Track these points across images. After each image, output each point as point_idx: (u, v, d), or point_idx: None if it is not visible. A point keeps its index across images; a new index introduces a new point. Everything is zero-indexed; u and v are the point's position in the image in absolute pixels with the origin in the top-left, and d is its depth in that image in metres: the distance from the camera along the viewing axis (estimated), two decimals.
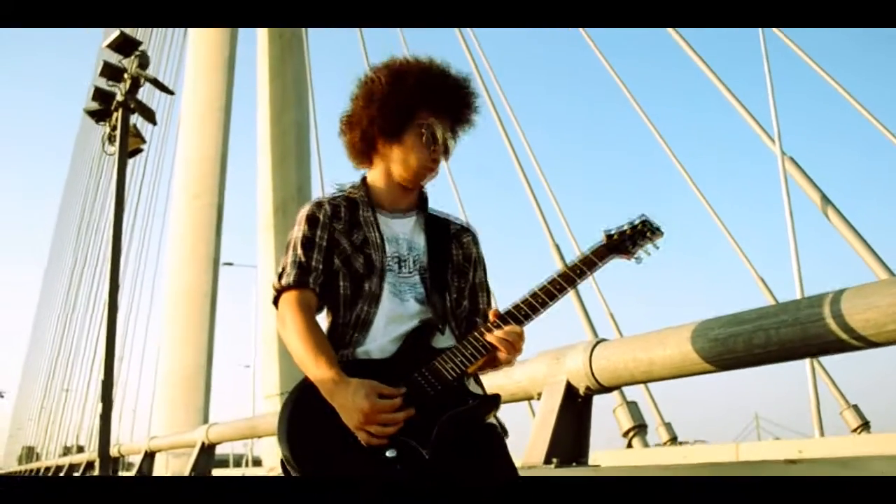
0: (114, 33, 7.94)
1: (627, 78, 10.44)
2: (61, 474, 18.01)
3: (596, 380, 2.65)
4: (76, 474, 13.51)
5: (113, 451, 11.12)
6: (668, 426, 10.24)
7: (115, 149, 10.01)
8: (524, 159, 10.63)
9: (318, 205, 1.84)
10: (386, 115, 1.79)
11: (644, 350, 2.47)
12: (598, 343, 2.73)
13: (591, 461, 2.79)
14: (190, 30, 17.13)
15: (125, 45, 8.84)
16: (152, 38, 21.49)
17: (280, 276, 1.78)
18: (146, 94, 11.65)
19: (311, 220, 1.81)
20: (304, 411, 1.64)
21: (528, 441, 2.77)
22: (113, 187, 10.69)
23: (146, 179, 22.28)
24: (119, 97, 9.76)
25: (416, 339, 1.71)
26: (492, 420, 1.74)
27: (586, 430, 2.78)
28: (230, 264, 28.86)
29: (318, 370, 1.62)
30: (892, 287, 1.90)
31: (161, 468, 11.74)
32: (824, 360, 8.90)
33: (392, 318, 1.74)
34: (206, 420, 14.11)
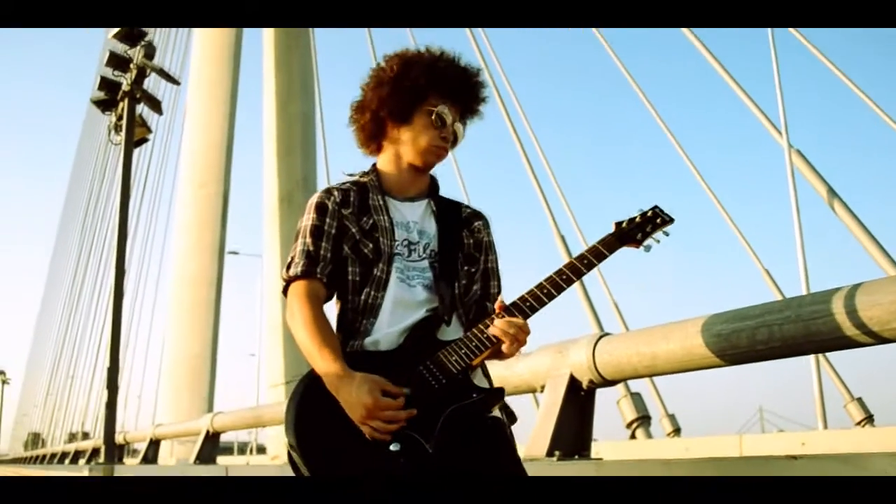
0: None
1: (634, 70, 10.39)
2: (66, 462, 18.12)
3: (599, 373, 2.66)
4: (74, 474, 13.61)
5: (118, 439, 11.19)
6: (672, 418, 10.26)
7: (120, 138, 10.05)
8: (530, 149, 10.61)
9: (328, 192, 1.84)
10: (396, 97, 1.81)
11: (647, 344, 2.48)
12: (601, 337, 2.73)
13: (593, 453, 2.80)
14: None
15: (131, 35, 8.84)
16: (158, 28, 21.49)
17: (289, 266, 1.79)
18: (152, 83, 11.66)
19: (321, 207, 1.81)
20: (311, 402, 1.64)
21: (530, 433, 2.78)
22: (119, 175, 10.72)
23: (152, 168, 22.32)
24: (125, 87, 9.78)
25: (422, 331, 1.72)
26: (496, 413, 1.74)
27: (589, 423, 2.79)
28: (235, 253, 28.99)
29: (324, 363, 1.63)
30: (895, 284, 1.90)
31: (166, 455, 11.81)
32: (829, 353, 8.90)
33: (399, 304, 1.74)
34: (210, 408, 14.19)
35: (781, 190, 8.66)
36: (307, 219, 1.81)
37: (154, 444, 9.59)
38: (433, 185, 1.91)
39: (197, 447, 7.07)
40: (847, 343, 1.98)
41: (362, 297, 1.75)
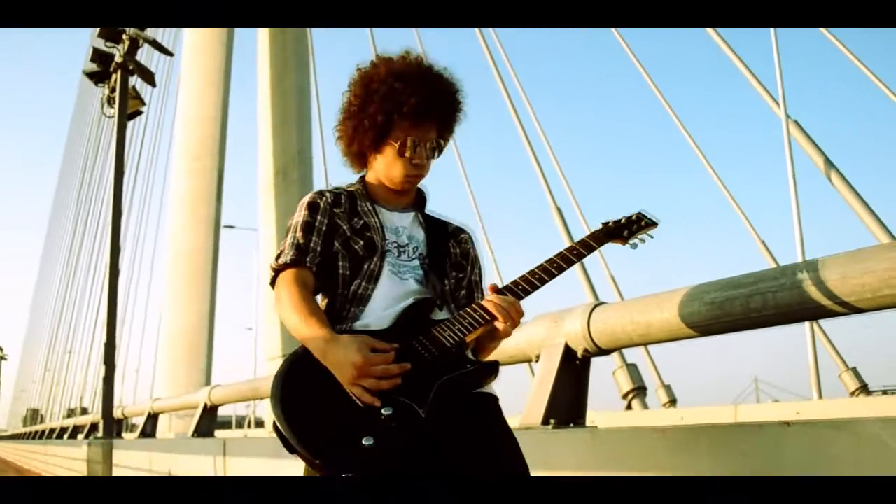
0: None
1: (632, 43, 10.33)
2: (65, 437, 18.22)
3: (594, 342, 2.67)
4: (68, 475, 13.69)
5: (116, 413, 11.24)
6: (668, 388, 10.36)
7: (114, 111, 9.98)
8: (527, 124, 10.56)
9: (320, 193, 1.87)
10: (362, 131, 1.82)
11: (642, 313, 2.48)
12: (596, 306, 2.74)
13: (588, 423, 2.81)
14: None
15: None
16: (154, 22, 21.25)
17: (278, 257, 1.79)
18: (145, 55, 11.56)
19: (312, 206, 1.83)
20: (298, 374, 1.63)
21: (525, 402, 2.80)
22: (113, 150, 10.67)
23: (146, 142, 22.26)
24: (118, 58, 9.69)
25: (415, 312, 1.72)
26: (490, 389, 1.74)
27: (584, 391, 2.80)
28: (231, 227, 28.98)
29: (310, 330, 1.63)
30: (889, 252, 1.90)
31: (164, 430, 11.88)
32: (824, 323, 8.96)
33: (390, 296, 1.74)
34: (208, 382, 14.24)
35: (778, 160, 8.66)
36: (298, 216, 1.83)
37: (152, 419, 9.63)
38: (421, 197, 1.94)
39: (195, 420, 7.10)
40: (840, 310, 1.98)
41: (352, 289, 1.76)
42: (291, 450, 1.54)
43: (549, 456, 2.46)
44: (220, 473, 5.46)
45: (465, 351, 1.71)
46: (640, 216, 1.92)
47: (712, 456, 1.99)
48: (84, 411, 24.63)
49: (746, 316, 2.16)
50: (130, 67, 9.65)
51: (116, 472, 9.19)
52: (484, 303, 1.67)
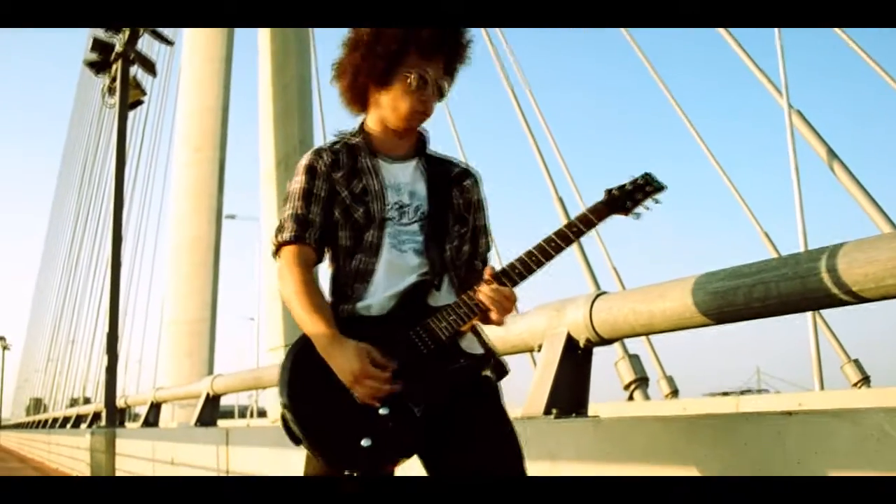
0: None
1: (635, 32, 10.29)
2: (68, 426, 18.28)
3: (596, 332, 2.66)
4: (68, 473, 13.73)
5: (119, 402, 11.27)
6: (670, 379, 10.37)
7: (115, 101, 9.96)
8: (528, 112, 10.54)
9: (318, 154, 1.82)
10: (371, 61, 1.77)
11: (644, 302, 2.47)
12: (598, 295, 2.73)
13: (591, 413, 2.81)
14: None
15: None
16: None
17: (279, 231, 1.79)
18: (145, 44, 11.53)
19: (311, 170, 1.80)
20: (305, 364, 1.66)
21: (528, 392, 2.79)
22: (114, 140, 10.66)
23: (147, 132, 22.24)
24: (118, 48, 9.67)
25: (413, 297, 1.73)
26: (486, 372, 1.76)
27: (586, 381, 2.80)
28: (233, 217, 29.00)
29: (315, 328, 1.65)
30: (892, 241, 1.90)
31: (167, 420, 11.91)
32: (826, 314, 8.96)
33: (391, 270, 1.75)
34: (210, 371, 14.27)
35: (781, 151, 8.63)
36: (297, 181, 1.80)
37: (155, 408, 9.65)
38: (422, 141, 1.89)
39: (198, 410, 7.11)
40: (843, 300, 1.98)
41: (354, 263, 1.76)
42: (297, 441, 1.60)
43: (552, 446, 2.46)
44: (223, 463, 5.48)
45: (462, 339, 1.73)
46: (648, 179, 1.78)
47: (714, 445, 1.99)
48: (87, 401, 24.68)
49: (749, 306, 2.16)
50: (131, 57, 9.64)
51: (119, 462, 9.23)
52: (479, 294, 1.68)
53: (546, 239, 1.70)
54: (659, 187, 1.78)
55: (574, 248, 1.76)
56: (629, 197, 1.76)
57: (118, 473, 9.18)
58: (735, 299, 2.18)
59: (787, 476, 1.76)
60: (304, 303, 1.68)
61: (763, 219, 9.28)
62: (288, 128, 14.97)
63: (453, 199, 1.86)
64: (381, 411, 1.59)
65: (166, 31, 12.59)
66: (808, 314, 8.61)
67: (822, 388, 8.77)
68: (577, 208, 9.84)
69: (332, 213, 1.78)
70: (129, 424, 12.17)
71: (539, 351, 2.92)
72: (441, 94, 1.83)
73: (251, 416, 28.91)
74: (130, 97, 9.79)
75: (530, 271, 1.69)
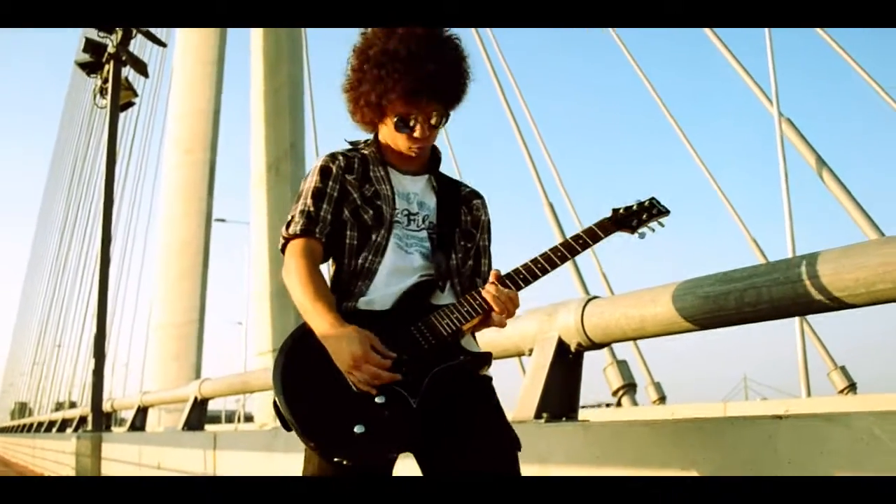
0: None
1: (625, 36, 10.33)
2: (53, 430, 18.14)
3: (587, 336, 2.67)
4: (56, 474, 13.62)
5: (105, 406, 11.18)
6: (658, 386, 10.39)
7: (106, 102, 9.92)
8: (520, 117, 10.56)
9: (333, 157, 1.85)
10: (361, 105, 1.80)
11: (635, 307, 2.48)
12: (590, 300, 2.73)
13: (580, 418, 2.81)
14: None
15: None
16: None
17: (288, 225, 1.81)
18: (138, 45, 11.49)
19: (324, 171, 1.82)
20: (300, 353, 1.67)
21: (517, 397, 2.79)
22: (104, 141, 10.61)
23: (138, 134, 22.15)
24: (110, 49, 9.64)
25: (417, 294, 1.75)
26: (484, 372, 1.78)
27: (577, 386, 2.80)
28: (223, 220, 28.94)
29: (317, 314, 1.65)
30: (882, 247, 1.91)
31: (154, 424, 11.84)
32: (813, 321, 9.01)
33: (395, 270, 1.76)
34: (198, 375, 14.21)
35: (771, 159, 8.69)
36: (310, 181, 1.82)
37: (142, 412, 9.59)
38: (435, 158, 1.92)
39: (185, 414, 7.07)
40: (833, 305, 1.99)
41: (359, 261, 1.77)
42: (287, 428, 1.58)
43: (542, 449, 2.45)
44: (210, 467, 5.45)
45: (462, 338, 1.74)
46: (653, 203, 1.85)
47: (704, 449, 1.99)
48: (73, 405, 24.52)
49: (741, 310, 2.16)
50: (123, 58, 9.59)
51: (105, 466, 9.16)
52: (483, 293, 1.69)
53: (552, 248, 1.74)
54: (664, 211, 1.85)
55: None
56: (635, 216, 1.82)
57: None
58: (726, 304, 2.19)
59: (779, 476, 1.76)
60: (307, 291, 1.68)
61: (752, 226, 9.33)
62: (279, 131, 14.98)
63: (462, 215, 1.90)
64: (377, 399, 1.59)
65: (159, 33, 12.55)
66: (796, 321, 8.65)
67: (808, 394, 8.81)
68: (567, 213, 9.88)
69: (341, 212, 1.80)
70: (115, 429, 12.08)
71: (530, 355, 2.92)
72: (443, 121, 1.82)
73: (238, 421, 28.78)
74: (122, 98, 9.74)
75: (535, 277, 1.73)
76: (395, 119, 1.76)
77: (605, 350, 7.89)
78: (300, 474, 1.73)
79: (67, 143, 39.99)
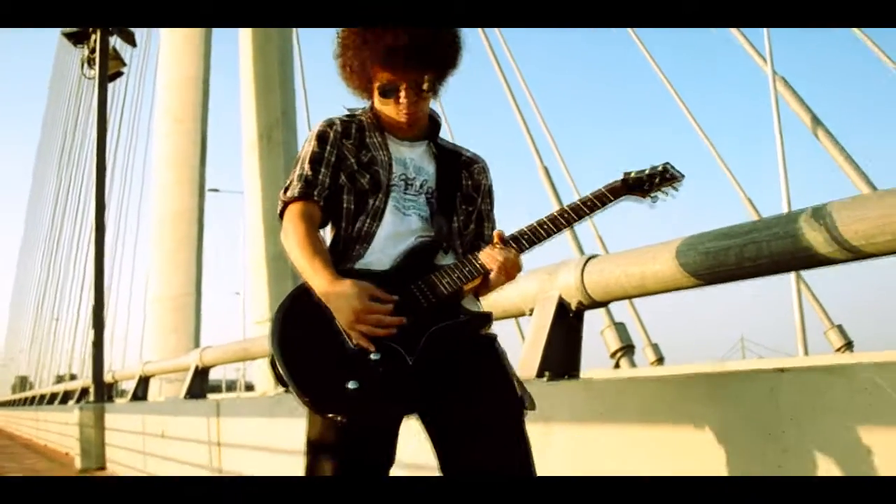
0: None
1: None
2: (55, 403, 18.23)
3: (588, 294, 2.67)
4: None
5: (107, 377, 11.24)
6: (655, 347, 10.47)
7: (94, 72, 9.80)
8: (513, 81, 10.49)
9: (330, 123, 1.84)
10: (349, 73, 1.80)
11: (636, 264, 2.48)
12: (590, 259, 2.73)
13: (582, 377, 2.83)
14: None
15: None
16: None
17: (286, 189, 1.80)
18: None
19: (321, 136, 1.82)
20: (297, 311, 1.67)
21: (518, 357, 2.80)
22: (94, 113, 10.51)
23: (128, 103, 21.97)
24: None
25: (419, 254, 1.74)
26: (487, 331, 1.77)
27: (578, 344, 2.81)
28: (216, 190, 28.80)
29: (314, 271, 1.66)
30: (882, 199, 1.90)
31: (154, 394, 11.89)
32: (810, 280, 9.05)
33: (393, 234, 1.76)
34: (197, 345, 14.25)
35: (765, 118, 8.66)
36: (308, 146, 1.82)
37: (143, 382, 9.63)
38: (433, 124, 1.90)
39: (187, 383, 7.10)
40: (833, 258, 1.99)
41: (356, 226, 1.77)
42: (283, 384, 1.59)
43: (545, 408, 2.47)
44: (214, 435, 5.48)
45: (463, 299, 1.73)
46: (667, 168, 1.76)
47: (706, 403, 2.00)
48: (73, 378, 24.62)
49: (741, 266, 2.16)
50: (109, 27, 9.47)
51: (109, 436, 9.22)
52: (484, 254, 1.69)
53: (560, 210, 1.71)
54: (678, 176, 1.77)
55: None
56: (648, 181, 1.75)
57: (108, 448, 9.18)
58: (726, 259, 2.19)
59: (779, 476, 1.77)
60: (305, 251, 1.69)
61: (746, 184, 9.33)
62: (270, 99, 14.85)
63: (462, 179, 1.88)
64: (373, 356, 1.59)
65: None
66: (793, 280, 8.69)
67: (805, 353, 8.88)
68: (563, 178, 9.86)
69: (338, 176, 1.80)
70: (117, 400, 12.14)
71: (530, 315, 2.92)
72: (432, 90, 1.79)
73: (239, 389, 28.95)
74: (110, 68, 9.64)
75: (540, 239, 1.71)
76: (378, 86, 1.76)
77: (603, 312, 7.92)
78: (303, 439, 1.73)
79: (57, 114, 39.65)
